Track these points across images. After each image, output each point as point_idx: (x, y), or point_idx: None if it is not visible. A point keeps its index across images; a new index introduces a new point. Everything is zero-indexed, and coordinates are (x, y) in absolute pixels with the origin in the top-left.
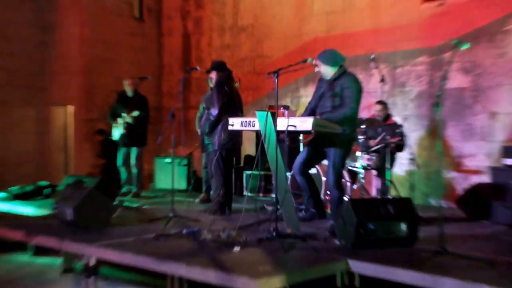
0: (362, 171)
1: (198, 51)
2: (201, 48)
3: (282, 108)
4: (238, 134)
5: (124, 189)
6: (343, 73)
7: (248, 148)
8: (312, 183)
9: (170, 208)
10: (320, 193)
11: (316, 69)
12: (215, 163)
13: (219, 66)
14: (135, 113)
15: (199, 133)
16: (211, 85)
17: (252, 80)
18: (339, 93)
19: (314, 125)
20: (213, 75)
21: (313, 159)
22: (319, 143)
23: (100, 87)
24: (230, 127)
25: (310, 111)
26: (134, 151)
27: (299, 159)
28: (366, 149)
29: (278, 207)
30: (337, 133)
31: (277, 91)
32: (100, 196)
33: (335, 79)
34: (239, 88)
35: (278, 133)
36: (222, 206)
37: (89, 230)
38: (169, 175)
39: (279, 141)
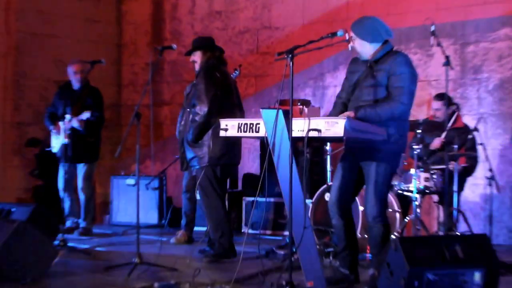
0: (418, 196)
1: (175, 22)
2: (178, 17)
3: (299, 104)
4: (235, 143)
5: (68, 223)
6: (388, 52)
7: (249, 163)
8: (352, 229)
9: (134, 252)
10: (357, 230)
11: (351, 46)
12: (205, 186)
13: (205, 44)
14: (84, 115)
15: (179, 142)
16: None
17: (255, 63)
18: (383, 81)
19: (347, 128)
20: (197, 57)
21: (352, 187)
22: (354, 157)
23: (33, 77)
24: (222, 133)
25: (340, 108)
26: (81, 169)
27: (333, 193)
28: (424, 164)
29: (294, 250)
30: (379, 140)
31: (292, 79)
32: (34, 233)
33: (376, 60)
34: (238, 77)
35: (294, 141)
36: (226, 252)
37: (19, 282)
38: (132, 203)
39: (296, 153)
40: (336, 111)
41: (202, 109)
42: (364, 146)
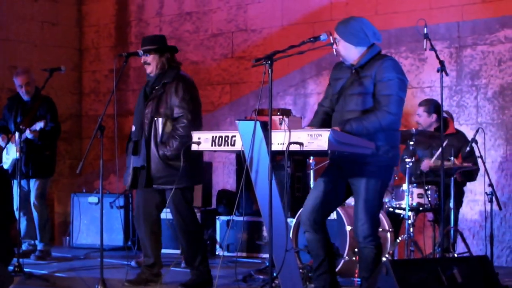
0: (411, 214)
1: (141, 25)
2: (145, 20)
3: (279, 114)
4: (201, 158)
5: (24, 246)
6: (375, 56)
7: (223, 179)
8: (328, 243)
9: (98, 278)
10: (344, 252)
11: (335, 49)
12: (183, 210)
13: (159, 42)
14: (38, 125)
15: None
16: (151, 74)
17: (230, 69)
18: (370, 89)
19: (332, 141)
20: (151, 59)
21: (331, 200)
22: (340, 171)
23: None
24: (194, 147)
25: (322, 116)
26: (34, 185)
27: (309, 202)
28: (417, 179)
29: (274, 274)
30: (368, 154)
31: (271, 87)
32: None
33: (362, 66)
34: (211, 84)
35: (274, 155)
36: (206, 280)
37: None
38: (95, 223)
39: (276, 168)
40: (317, 120)
41: (182, 119)
42: (351, 160)
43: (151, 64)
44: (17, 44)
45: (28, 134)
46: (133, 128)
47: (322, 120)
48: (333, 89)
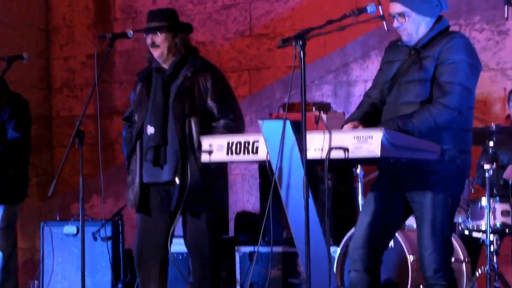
0: (494, 238)
1: None
2: None
3: (315, 109)
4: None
5: None
6: (441, 32)
7: (243, 197)
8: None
9: None
10: None
11: (396, 24)
12: (212, 241)
13: (172, 18)
14: None
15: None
16: (162, 62)
17: (248, 50)
18: (432, 72)
19: (386, 145)
20: (161, 39)
21: (389, 225)
22: (394, 183)
23: None
24: (205, 157)
25: (366, 109)
26: None
27: (360, 232)
28: (500, 191)
29: None
30: (432, 160)
31: (304, 75)
32: None
33: (425, 44)
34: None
35: (311, 165)
36: None
37: None
38: (74, 260)
39: (313, 181)
40: (358, 113)
41: (225, 119)
42: (409, 168)
43: (160, 46)
44: None
45: None
46: (150, 129)
47: (366, 114)
48: (384, 76)
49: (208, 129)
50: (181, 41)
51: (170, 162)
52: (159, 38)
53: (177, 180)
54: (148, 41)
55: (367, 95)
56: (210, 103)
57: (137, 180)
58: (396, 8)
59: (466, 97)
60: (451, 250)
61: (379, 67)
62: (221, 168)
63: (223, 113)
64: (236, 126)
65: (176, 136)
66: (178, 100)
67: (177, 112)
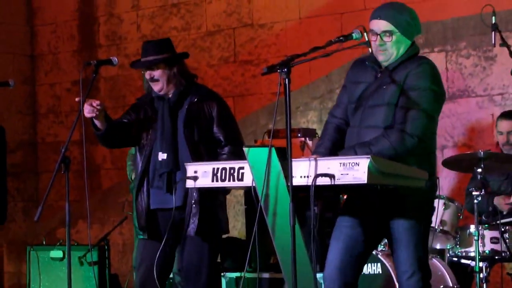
0: (483, 265)
1: (112, 21)
2: (117, 14)
3: (300, 136)
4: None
5: None
6: (412, 56)
7: (229, 223)
8: None
9: None
10: None
11: (378, 42)
12: (213, 267)
13: (169, 49)
14: None
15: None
16: (163, 93)
17: (233, 77)
18: (395, 98)
19: (373, 172)
20: (160, 73)
21: (362, 249)
22: (364, 205)
23: None
24: (190, 183)
25: (332, 134)
26: None
27: (333, 258)
28: (488, 218)
29: None
30: (420, 187)
31: (289, 101)
32: None
33: (394, 67)
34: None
35: (296, 192)
36: None
37: None
38: (61, 283)
39: (300, 208)
40: (325, 146)
41: (230, 146)
42: (380, 194)
43: (160, 80)
44: None
45: None
46: (162, 155)
47: (333, 145)
48: (349, 95)
49: (215, 155)
50: (179, 71)
51: (180, 187)
52: (157, 72)
53: (193, 205)
54: (147, 76)
55: (332, 114)
56: (216, 130)
57: (145, 206)
58: (382, 25)
59: (428, 125)
60: (429, 273)
61: (343, 84)
62: (224, 193)
63: (229, 140)
64: (242, 151)
65: (191, 161)
66: (187, 126)
67: (189, 137)
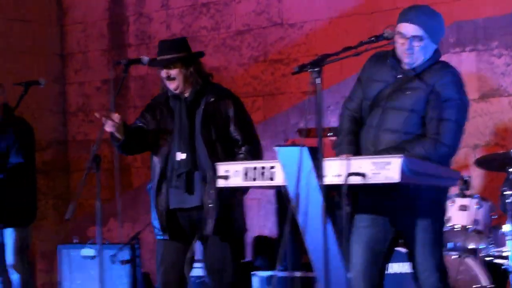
0: None
1: (142, 21)
2: (147, 14)
3: (331, 135)
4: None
5: None
6: (436, 61)
7: (260, 222)
8: None
9: None
10: None
11: (406, 46)
12: (237, 265)
13: (185, 48)
14: None
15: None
16: (179, 93)
17: (262, 76)
18: (421, 105)
19: (406, 172)
20: (176, 73)
21: (385, 249)
22: (382, 210)
23: None
24: (221, 182)
25: (349, 126)
26: (10, 237)
27: (358, 261)
28: None
29: None
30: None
31: (320, 100)
32: None
33: (419, 72)
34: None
35: (328, 190)
36: None
37: None
38: (92, 283)
39: (331, 207)
40: (347, 133)
41: (248, 145)
42: (394, 194)
43: (176, 78)
44: None
45: None
46: (181, 155)
47: (355, 135)
48: (365, 92)
49: (232, 155)
50: (196, 70)
51: (198, 187)
52: (174, 71)
53: (210, 204)
54: (163, 74)
55: (346, 107)
56: (233, 129)
57: (164, 206)
58: (413, 30)
59: (460, 135)
60: (446, 272)
61: (358, 77)
62: (242, 193)
63: (246, 140)
64: (259, 151)
65: (208, 160)
66: (205, 126)
67: (206, 137)
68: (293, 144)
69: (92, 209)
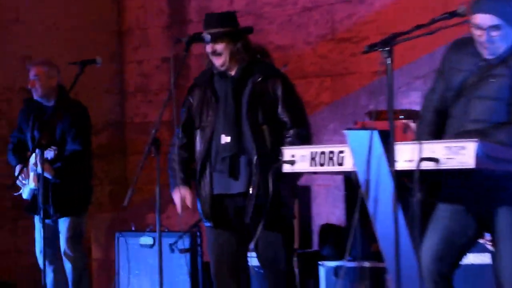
0: None
1: None
2: None
3: (402, 118)
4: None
5: None
6: None
7: (327, 209)
8: None
9: None
10: None
11: (485, 38)
12: (284, 254)
13: (233, 23)
14: (48, 154)
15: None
16: (225, 69)
17: (330, 55)
18: (505, 93)
19: (481, 156)
20: (222, 48)
21: (461, 240)
22: (466, 196)
23: None
24: (287, 168)
25: (431, 119)
26: (63, 225)
27: (430, 245)
28: None
29: None
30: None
31: (392, 81)
32: None
33: (503, 59)
34: (295, 74)
35: (399, 176)
36: None
37: None
38: (150, 273)
39: (403, 193)
40: (429, 124)
41: (298, 128)
42: (481, 184)
43: (223, 54)
44: (31, 27)
45: (48, 153)
46: (225, 138)
47: (438, 126)
48: (448, 82)
49: (280, 138)
50: (243, 46)
51: (244, 172)
52: (220, 46)
53: (251, 191)
54: (208, 49)
55: (427, 99)
56: (281, 111)
57: (208, 191)
58: (489, 20)
59: None
60: None
61: (439, 68)
62: (292, 179)
63: (295, 122)
64: (309, 135)
65: (253, 145)
66: (251, 108)
67: (252, 120)
68: (363, 128)
69: (151, 195)
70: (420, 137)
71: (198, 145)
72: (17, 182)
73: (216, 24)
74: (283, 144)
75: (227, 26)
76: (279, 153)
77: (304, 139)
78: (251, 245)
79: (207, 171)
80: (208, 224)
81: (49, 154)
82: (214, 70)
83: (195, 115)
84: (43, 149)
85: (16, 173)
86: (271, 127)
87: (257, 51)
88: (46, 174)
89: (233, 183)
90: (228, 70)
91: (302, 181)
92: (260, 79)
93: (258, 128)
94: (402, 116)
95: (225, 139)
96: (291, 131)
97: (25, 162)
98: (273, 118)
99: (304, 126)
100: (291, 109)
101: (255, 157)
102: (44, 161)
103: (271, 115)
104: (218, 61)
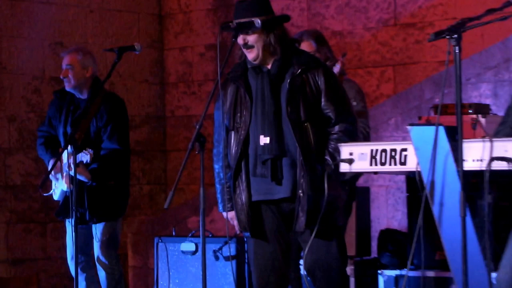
0: None
1: None
2: None
3: (471, 112)
4: None
5: None
6: None
7: (387, 213)
8: None
9: None
10: None
11: None
12: (337, 261)
13: (267, 11)
14: (83, 157)
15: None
16: (259, 63)
17: (392, 43)
18: None
19: None
20: (254, 39)
21: None
22: None
23: (14, 71)
24: (345, 167)
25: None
26: (98, 230)
27: (510, 257)
28: None
29: None
30: None
31: (460, 72)
32: None
33: None
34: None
35: (468, 177)
36: None
37: None
38: (193, 281)
39: (472, 196)
40: (508, 125)
41: (344, 123)
42: None
43: (255, 46)
44: (63, 10)
45: (84, 156)
46: (264, 139)
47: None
48: None
49: (323, 136)
50: (278, 37)
51: (287, 175)
52: (253, 37)
53: (300, 195)
54: (240, 41)
55: None
56: (324, 105)
57: (245, 199)
58: None
59: None
60: None
61: None
62: (351, 180)
63: (340, 116)
64: (356, 131)
65: (296, 145)
66: (292, 104)
67: (293, 118)
68: (428, 123)
69: (193, 196)
70: (497, 136)
71: (233, 148)
72: (50, 176)
73: (248, 12)
74: (328, 142)
75: (260, 14)
76: (325, 153)
77: (352, 135)
78: (303, 253)
79: (243, 177)
80: (247, 234)
81: (85, 158)
82: (248, 64)
83: (228, 115)
84: (76, 146)
85: (49, 168)
86: (314, 124)
87: (294, 40)
88: (81, 177)
89: (275, 187)
90: (263, 63)
91: (360, 182)
92: (299, 71)
93: (301, 126)
94: (471, 111)
95: (264, 140)
96: (336, 127)
97: (58, 157)
98: (316, 114)
99: (350, 120)
100: (336, 102)
101: (300, 158)
102: (78, 163)
103: (313, 111)
104: (250, 54)
